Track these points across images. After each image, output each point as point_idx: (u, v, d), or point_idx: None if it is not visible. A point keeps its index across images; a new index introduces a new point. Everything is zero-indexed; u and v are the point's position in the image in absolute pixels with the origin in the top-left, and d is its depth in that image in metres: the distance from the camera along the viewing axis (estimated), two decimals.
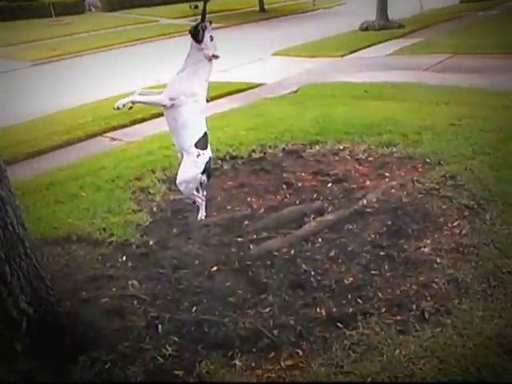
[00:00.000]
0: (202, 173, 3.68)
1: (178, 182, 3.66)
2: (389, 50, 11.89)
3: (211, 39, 3.43)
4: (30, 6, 31.30)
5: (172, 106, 3.49)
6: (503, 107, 6.03)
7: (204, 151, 3.65)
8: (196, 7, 21.74)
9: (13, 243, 2.33)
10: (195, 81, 3.51)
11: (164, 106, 3.54)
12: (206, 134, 3.67)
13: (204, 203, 3.86)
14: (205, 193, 3.94)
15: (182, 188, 3.67)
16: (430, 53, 10.78)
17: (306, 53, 12.67)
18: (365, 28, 15.87)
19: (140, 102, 3.63)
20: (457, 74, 8.60)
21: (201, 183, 3.81)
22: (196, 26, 3.41)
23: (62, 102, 9.83)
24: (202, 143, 3.63)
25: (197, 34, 3.39)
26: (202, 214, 3.84)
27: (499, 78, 7.93)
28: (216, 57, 3.46)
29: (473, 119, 5.64)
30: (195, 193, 3.77)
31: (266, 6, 27.00)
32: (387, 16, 16.23)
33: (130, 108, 3.48)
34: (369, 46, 12.88)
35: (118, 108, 3.39)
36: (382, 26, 15.60)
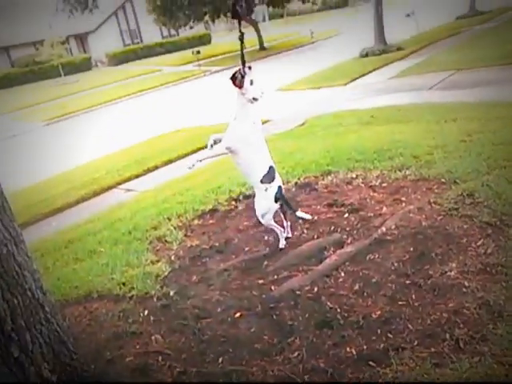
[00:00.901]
0: (275, 201, 3.78)
1: (257, 214, 3.84)
2: (391, 73, 12.00)
3: (251, 83, 3.54)
4: (40, 69, 32.72)
5: (232, 152, 3.68)
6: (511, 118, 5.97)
7: (271, 184, 3.75)
8: (198, 52, 22.43)
9: (32, 309, 2.31)
10: (244, 125, 3.65)
11: (224, 154, 3.77)
12: (270, 168, 3.75)
13: (283, 232, 3.94)
14: (288, 223, 4.02)
15: (261, 220, 3.84)
16: (433, 71, 10.84)
17: (310, 85, 12.86)
18: (365, 54, 16.11)
19: (205, 158, 3.90)
20: (461, 89, 8.60)
21: (284, 213, 3.95)
22: (235, 73, 3.55)
23: (76, 158, 10.08)
24: (267, 178, 3.73)
25: (236, 80, 3.53)
26: (282, 243, 3.90)
27: (503, 90, 7.90)
28: (256, 99, 3.58)
29: (483, 133, 5.58)
30: (273, 223, 3.86)
31: (265, 44, 27.72)
32: (385, 40, 16.49)
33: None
34: (371, 72, 13.03)
35: (190, 168, 3.81)
36: (382, 51, 15.81)
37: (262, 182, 3.71)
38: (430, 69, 11.23)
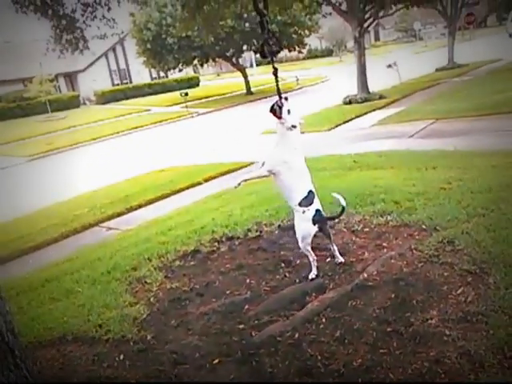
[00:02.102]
0: (314, 224, 3.91)
1: (296, 236, 4.02)
2: (373, 121, 12.34)
3: (289, 113, 3.80)
4: (28, 104, 32.84)
5: (273, 175, 3.95)
6: (488, 167, 6.14)
7: (309, 207, 3.90)
8: (186, 94, 22.84)
9: (1, 353, 2.22)
10: (284, 151, 3.90)
11: (266, 176, 4.04)
12: (310, 192, 3.93)
13: (315, 262, 4.00)
14: (335, 247, 4.15)
15: (300, 243, 4.00)
16: (413, 120, 11.18)
17: None
18: (348, 102, 16.60)
19: (251, 179, 4.28)
20: (441, 138, 8.87)
21: (328, 237, 4.11)
22: (273, 105, 3.82)
23: (59, 194, 9.97)
24: (306, 201, 3.90)
25: (275, 112, 3.82)
26: (313, 273, 3.96)
27: (481, 139, 8.18)
28: (294, 127, 3.82)
29: (462, 181, 5.72)
30: (309, 248, 3.98)
31: (252, 89, 28.43)
32: (368, 89, 17.06)
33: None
34: (353, 119, 13.38)
35: (236, 187, 4.15)
36: (365, 99, 16.32)
37: (300, 204, 3.90)
38: (410, 117, 11.59)
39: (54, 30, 7.99)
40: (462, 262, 3.77)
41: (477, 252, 3.88)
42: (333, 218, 4.30)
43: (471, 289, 3.42)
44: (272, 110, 3.82)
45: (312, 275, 3.95)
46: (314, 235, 4.01)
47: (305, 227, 3.92)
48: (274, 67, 4.01)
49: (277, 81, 4.04)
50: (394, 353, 2.88)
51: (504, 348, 2.73)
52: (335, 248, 4.14)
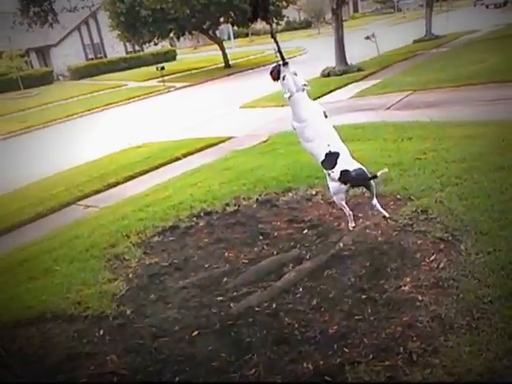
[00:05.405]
0: (344, 183, 3.83)
1: (331, 192, 4.01)
2: (351, 93, 12.32)
3: (296, 74, 3.93)
4: None
5: (297, 133, 4.05)
6: (463, 137, 6.23)
7: (333, 169, 3.83)
8: (162, 68, 22.35)
9: None
10: (292, 117, 4.03)
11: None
12: (328, 155, 3.82)
13: (351, 215, 4.01)
14: (374, 201, 3.99)
15: (334, 198, 4.02)
16: (390, 92, 11.20)
17: (273, 103, 13.01)
18: (326, 74, 16.48)
19: None
20: (417, 109, 8.93)
21: (372, 192, 3.97)
22: (273, 69, 3.97)
23: (35, 173, 9.77)
24: (326, 164, 3.88)
25: (273, 74, 3.97)
26: (350, 225, 4.03)
27: (456, 110, 8.27)
28: (306, 85, 3.96)
29: (436, 152, 5.81)
30: (343, 203, 3.96)
31: (230, 62, 27.98)
32: (346, 61, 16.95)
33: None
34: (332, 91, 13.31)
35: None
36: (343, 71, 16.22)
37: (324, 167, 3.91)
38: (387, 89, 11.60)
39: (20, 1, 7.66)
40: (434, 230, 3.87)
41: (449, 220, 3.98)
42: (370, 179, 3.91)
43: (443, 255, 3.53)
44: (271, 73, 3.96)
45: (350, 227, 4.03)
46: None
47: (333, 186, 3.91)
48: (271, 31, 4.22)
49: (276, 42, 4.08)
50: (369, 319, 2.97)
51: (472, 310, 2.85)
52: (376, 203, 3.99)
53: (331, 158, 3.83)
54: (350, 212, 4.01)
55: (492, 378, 2.35)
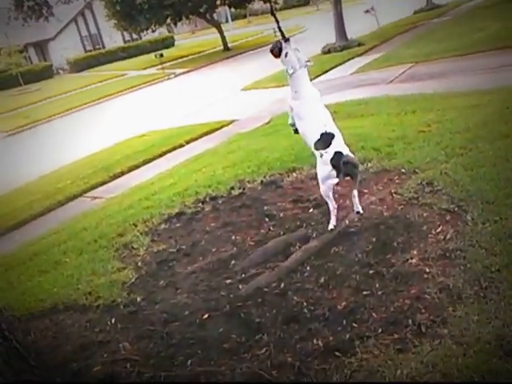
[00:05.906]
0: (334, 168, 3.67)
1: (319, 180, 3.86)
2: (352, 69, 12.16)
3: (298, 51, 3.86)
4: None
5: (293, 112, 4.04)
6: (467, 107, 6.14)
7: (327, 150, 3.69)
8: (161, 55, 22.20)
9: None
10: (290, 94, 3.99)
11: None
12: (323, 135, 3.73)
13: (336, 211, 3.84)
14: (355, 195, 3.86)
15: (320, 185, 3.84)
16: (392, 65, 11.04)
17: (274, 83, 12.89)
18: (327, 51, 16.26)
19: None
20: (419, 82, 8.80)
21: (355, 181, 3.81)
22: (273, 46, 3.91)
23: (40, 168, 9.83)
24: (320, 144, 3.75)
25: (274, 51, 3.91)
26: (332, 224, 3.81)
27: (459, 80, 8.14)
28: (309, 61, 3.91)
29: (440, 123, 5.74)
30: (330, 195, 3.81)
31: (229, 45, 27.68)
32: (346, 36, 16.69)
33: None
34: (333, 68, 13.15)
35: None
36: (343, 47, 16.00)
37: (316, 148, 3.78)
38: (388, 63, 11.43)
39: None
40: (440, 202, 3.84)
41: (455, 191, 3.95)
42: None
43: (450, 226, 3.51)
44: (272, 50, 3.91)
45: (331, 226, 3.80)
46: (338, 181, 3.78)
47: (323, 170, 3.72)
48: (270, 3, 4.18)
49: (277, 20, 4.11)
50: (377, 293, 2.97)
51: (480, 279, 2.84)
52: (356, 195, 3.86)
53: (327, 138, 3.74)
54: (336, 206, 3.85)
55: (500, 345, 2.35)
